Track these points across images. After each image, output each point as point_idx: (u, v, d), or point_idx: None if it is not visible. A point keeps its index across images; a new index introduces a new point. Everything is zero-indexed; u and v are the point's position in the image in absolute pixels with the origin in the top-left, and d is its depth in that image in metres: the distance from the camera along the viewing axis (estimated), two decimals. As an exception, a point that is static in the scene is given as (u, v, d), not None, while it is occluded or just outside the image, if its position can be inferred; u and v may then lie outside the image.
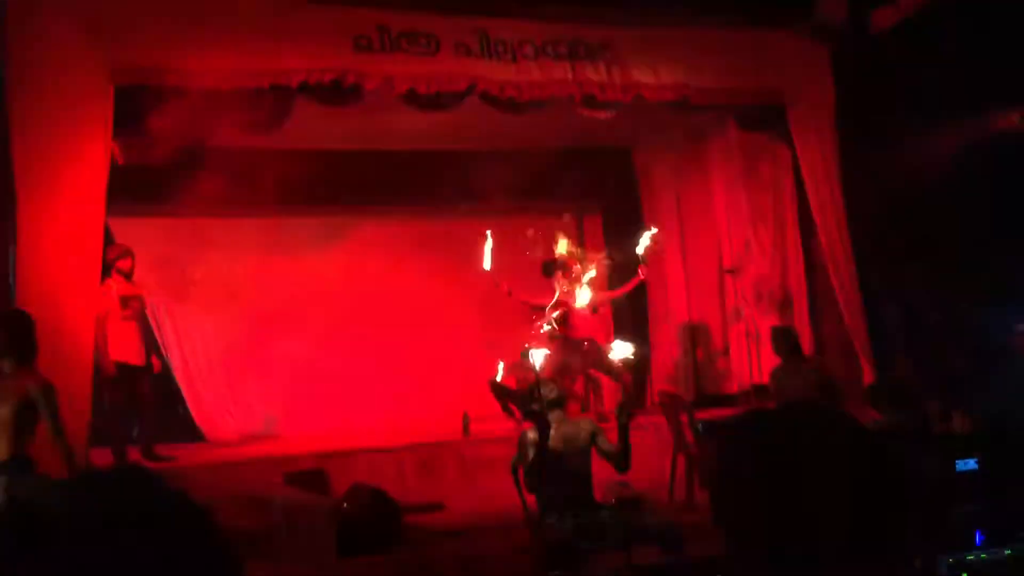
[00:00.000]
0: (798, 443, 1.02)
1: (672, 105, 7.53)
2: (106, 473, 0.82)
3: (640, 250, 8.13)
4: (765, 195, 8.84)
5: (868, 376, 7.64)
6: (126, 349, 6.67)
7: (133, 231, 7.77)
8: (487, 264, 7.83)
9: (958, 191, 6.96)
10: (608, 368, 7.96)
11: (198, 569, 0.77)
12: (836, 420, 1.05)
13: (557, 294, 8.05)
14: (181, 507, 0.80)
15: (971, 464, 2.10)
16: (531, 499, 5.04)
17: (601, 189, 10.44)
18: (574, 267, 8.15)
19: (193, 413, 9.03)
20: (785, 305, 8.54)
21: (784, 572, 0.98)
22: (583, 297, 8.09)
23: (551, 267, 8.16)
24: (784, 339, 6.78)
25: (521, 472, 5.01)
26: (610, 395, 8.93)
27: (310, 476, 6.51)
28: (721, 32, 7.63)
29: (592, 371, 8.34)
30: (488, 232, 7.83)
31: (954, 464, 2.09)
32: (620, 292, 8.56)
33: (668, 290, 10.06)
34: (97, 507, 0.76)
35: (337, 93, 6.72)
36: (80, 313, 5.98)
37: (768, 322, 8.71)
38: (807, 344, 8.27)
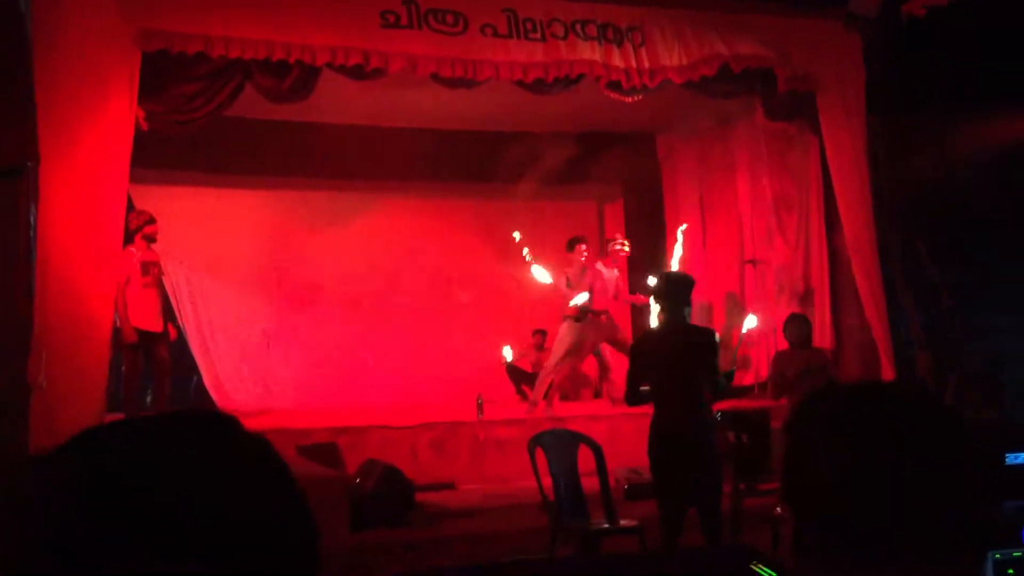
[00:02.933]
0: (897, 424, 0.97)
1: (708, 82, 7.38)
2: (182, 415, 0.76)
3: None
4: (790, 184, 8.72)
5: (887, 370, 7.54)
6: (145, 315, 6.67)
7: (151, 198, 7.74)
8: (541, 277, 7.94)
9: (987, 186, 6.86)
10: (621, 343, 7.92)
11: (284, 520, 0.73)
12: (935, 406, 1.00)
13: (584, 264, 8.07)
14: (265, 453, 0.75)
15: (1021, 458, 2.04)
16: (547, 483, 5.01)
17: (623, 175, 10.35)
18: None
19: (206, 382, 9.04)
20: (806, 297, 8.45)
21: (860, 559, 0.94)
22: (609, 273, 8.26)
23: (575, 242, 8.17)
24: (797, 327, 6.65)
25: (538, 451, 5.01)
26: (620, 378, 8.86)
27: (323, 450, 6.50)
28: (754, 16, 7.52)
29: (603, 352, 8.26)
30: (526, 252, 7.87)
31: (1004, 458, 2.04)
32: (639, 300, 8.52)
33: (686, 278, 9.97)
34: (182, 451, 0.71)
35: (362, 73, 6.66)
36: (100, 277, 5.96)
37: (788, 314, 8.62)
38: (828, 338, 8.17)
